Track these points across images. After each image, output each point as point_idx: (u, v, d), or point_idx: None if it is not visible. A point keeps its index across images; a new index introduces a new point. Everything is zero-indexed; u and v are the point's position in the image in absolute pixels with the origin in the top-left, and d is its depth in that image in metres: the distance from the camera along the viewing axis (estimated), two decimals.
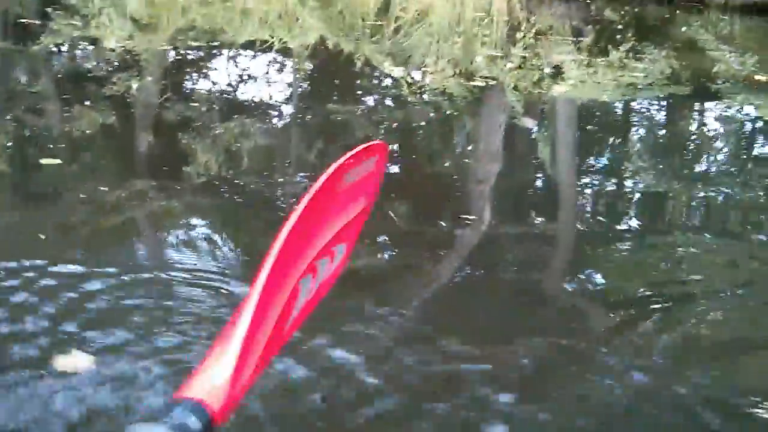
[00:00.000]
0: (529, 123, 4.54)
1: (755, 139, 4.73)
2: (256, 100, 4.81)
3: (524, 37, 7.50)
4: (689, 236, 2.91)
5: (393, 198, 3.08)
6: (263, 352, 0.90)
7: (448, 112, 4.71)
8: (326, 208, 1.08)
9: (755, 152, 4.45)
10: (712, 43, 7.93)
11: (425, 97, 5.02)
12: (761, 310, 2.35)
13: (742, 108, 5.22)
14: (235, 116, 4.23)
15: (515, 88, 5.39)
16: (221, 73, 5.52)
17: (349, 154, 1.10)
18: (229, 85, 5.22)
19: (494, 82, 5.59)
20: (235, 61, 5.99)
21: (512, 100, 5.08)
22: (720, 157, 4.30)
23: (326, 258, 1.11)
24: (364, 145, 1.15)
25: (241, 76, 5.52)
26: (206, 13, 7.46)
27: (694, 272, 2.59)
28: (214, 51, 6.22)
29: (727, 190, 3.52)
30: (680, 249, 2.74)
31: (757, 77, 5.83)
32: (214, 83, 5.19)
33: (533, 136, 4.40)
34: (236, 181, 3.26)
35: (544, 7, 9.62)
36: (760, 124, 4.97)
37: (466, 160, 3.99)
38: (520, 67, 6.22)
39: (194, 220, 2.81)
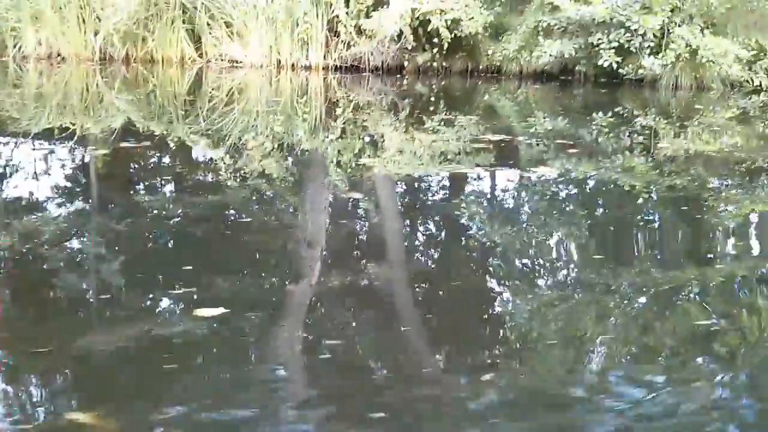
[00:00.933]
0: (356, 195, 4.28)
1: (565, 197, 4.76)
2: (50, 199, 4.10)
3: (343, 112, 7.37)
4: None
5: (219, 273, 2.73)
6: None
7: (269, 191, 4.32)
8: None
9: (568, 208, 4.47)
10: (510, 108, 8.29)
11: (245, 174, 4.59)
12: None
13: (559, 167, 5.28)
14: (22, 220, 3.54)
15: (338, 162, 5.14)
16: (7, 169, 4.73)
17: None
18: (17, 181, 4.46)
19: (315, 155, 5.31)
20: (28, 153, 5.20)
21: (334, 171, 4.80)
22: (532, 213, 4.25)
23: None
24: None
25: (33, 170, 4.77)
26: None
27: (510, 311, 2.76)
28: (3, 142, 5.41)
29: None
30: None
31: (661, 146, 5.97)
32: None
33: (358, 204, 4.13)
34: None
35: (360, 84, 9.68)
36: (575, 186, 5.02)
37: (291, 230, 3.60)
38: (340, 139, 6.01)
39: None
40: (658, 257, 3.49)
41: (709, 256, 3.53)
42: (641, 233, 3.94)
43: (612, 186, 4.79)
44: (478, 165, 5.09)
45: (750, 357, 2.43)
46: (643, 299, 2.83)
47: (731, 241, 3.73)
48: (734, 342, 2.49)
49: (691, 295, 2.94)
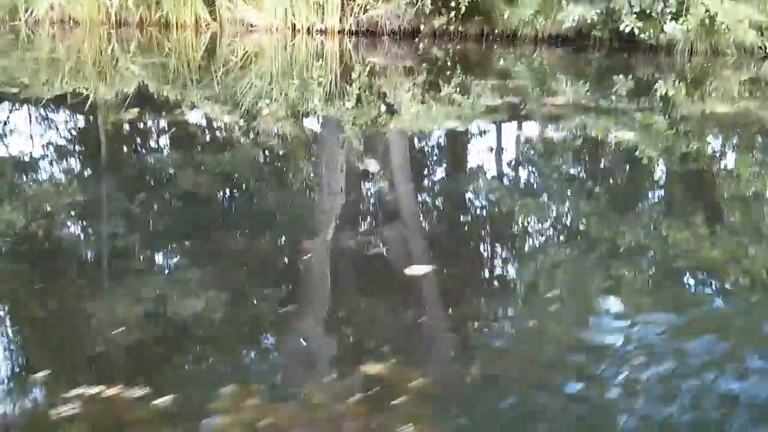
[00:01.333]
0: (371, 165, 4.03)
1: (588, 153, 4.60)
2: (62, 164, 3.86)
3: (359, 77, 7.03)
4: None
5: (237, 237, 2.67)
6: None
7: (283, 153, 4.06)
8: None
9: (585, 165, 4.32)
10: (528, 72, 7.94)
11: (259, 139, 4.31)
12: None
13: (580, 128, 5.07)
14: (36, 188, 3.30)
15: (353, 125, 4.85)
16: (23, 135, 4.47)
17: None
18: (32, 148, 4.20)
19: (332, 121, 5.01)
20: (41, 119, 4.93)
21: (350, 137, 4.52)
22: (555, 169, 4.09)
23: None
24: None
25: (46, 135, 4.50)
26: (5, 66, 6.27)
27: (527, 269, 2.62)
28: (15, 108, 5.13)
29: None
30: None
31: None
32: (9, 148, 4.16)
33: (373, 171, 3.90)
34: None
35: (376, 48, 9.29)
36: (593, 140, 4.82)
37: (308, 197, 3.39)
38: (356, 106, 5.69)
39: None
40: (663, 207, 3.52)
41: (711, 205, 3.54)
42: (648, 185, 3.95)
43: (628, 142, 4.64)
44: (495, 122, 4.88)
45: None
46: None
47: (735, 194, 3.74)
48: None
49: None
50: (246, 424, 1.51)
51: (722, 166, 4.34)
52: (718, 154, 4.69)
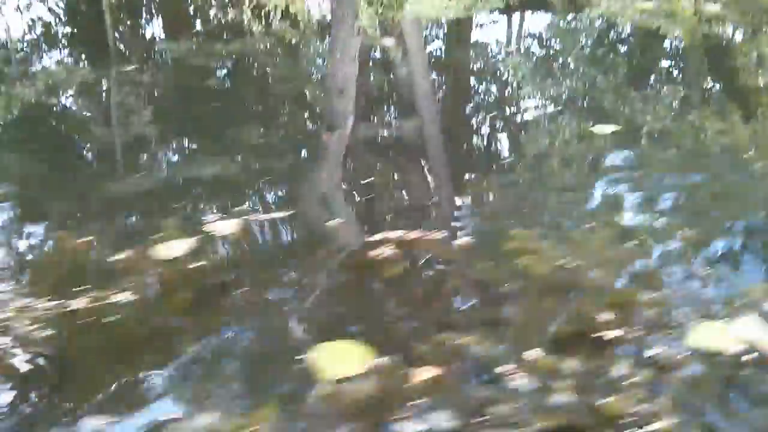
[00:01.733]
0: (388, 41, 3.83)
1: (613, 39, 4.31)
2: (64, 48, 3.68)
3: None
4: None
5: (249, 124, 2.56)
6: None
7: (297, 33, 3.85)
8: None
9: (612, 51, 4.06)
10: None
11: (272, 17, 4.08)
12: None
13: (603, 6, 4.73)
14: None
15: (369, 3, 4.57)
16: (25, 14, 4.25)
17: None
18: (33, 25, 4.00)
19: None
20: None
21: (365, 16, 4.27)
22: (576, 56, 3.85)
23: None
24: None
25: (40, 18, 4.27)
26: None
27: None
28: None
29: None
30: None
31: None
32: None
33: (388, 52, 3.69)
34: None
35: None
36: (616, 27, 4.52)
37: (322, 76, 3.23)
38: None
39: None
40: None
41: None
42: (665, 68, 3.69)
43: (651, 27, 4.36)
44: (510, 7, 4.58)
45: None
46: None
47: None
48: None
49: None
50: (546, 262, 1.61)
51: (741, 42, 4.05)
52: (736, 34, 4.39)
